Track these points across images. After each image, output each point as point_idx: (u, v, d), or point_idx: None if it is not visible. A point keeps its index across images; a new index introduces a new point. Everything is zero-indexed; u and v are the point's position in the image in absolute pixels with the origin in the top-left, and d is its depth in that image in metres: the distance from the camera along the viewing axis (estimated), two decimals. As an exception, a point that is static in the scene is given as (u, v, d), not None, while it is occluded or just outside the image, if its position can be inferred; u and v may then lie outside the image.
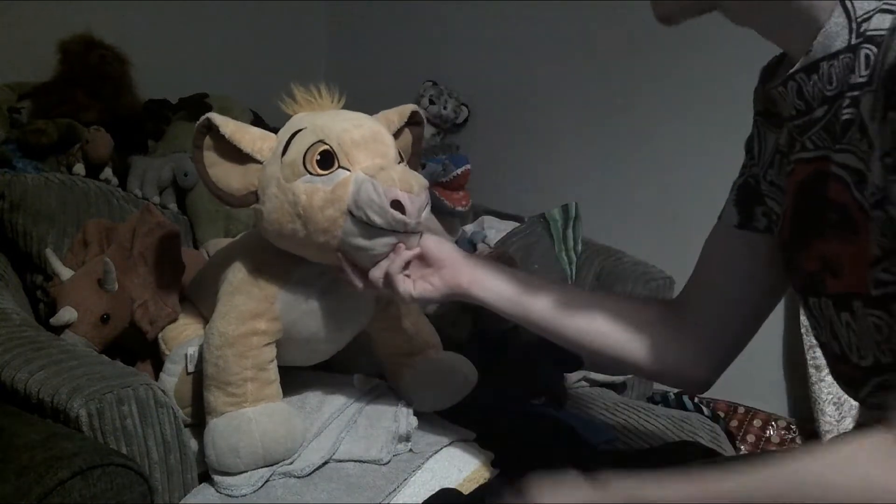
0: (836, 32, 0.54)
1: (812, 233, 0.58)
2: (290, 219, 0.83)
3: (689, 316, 0.77)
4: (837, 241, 0.54)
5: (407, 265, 0.83)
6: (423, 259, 0.84)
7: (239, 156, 0.86)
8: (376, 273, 0.82)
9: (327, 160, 0.82)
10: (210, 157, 0.86)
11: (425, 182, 0.82)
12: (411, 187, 0.79)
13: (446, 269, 0.83)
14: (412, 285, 0.82)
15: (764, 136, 0.70)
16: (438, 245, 0.84)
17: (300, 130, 0.85)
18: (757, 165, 0.71)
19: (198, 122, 0.84)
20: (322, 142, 0.82)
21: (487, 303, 0.82)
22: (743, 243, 0.72)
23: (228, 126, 0.84)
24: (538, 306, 0.81)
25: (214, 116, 0.84)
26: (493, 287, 0.82)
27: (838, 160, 0.52)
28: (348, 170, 0.82)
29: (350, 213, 0.80)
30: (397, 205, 0.78)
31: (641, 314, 0.79)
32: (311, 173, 0.82)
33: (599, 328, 0.79)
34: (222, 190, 0.86)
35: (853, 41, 0.53)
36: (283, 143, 0.85)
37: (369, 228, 0.79)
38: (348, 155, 0.82)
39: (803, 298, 0.63)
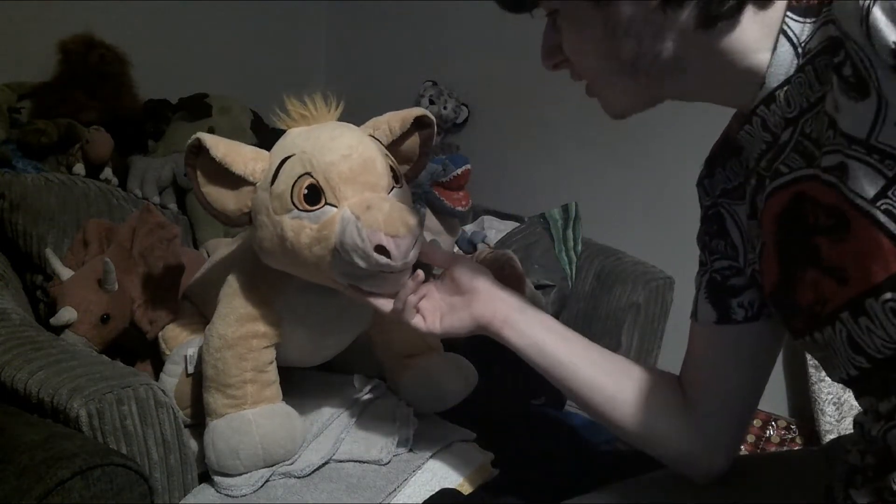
0: (784, 60, 0.55)
1: (803, 261, 0.56)
2: (281, 251, 0.82)
3: (691, 409, 0.73)
4: (834, 244, 0.53)
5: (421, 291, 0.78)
6: (454, 285, 0.79)
7: (231, 178, 0.83)
8: (397, 305, 0.77)
9: (314, 195, 0.80)
10: (203, 178, 0.84)
11: (415, 220, 0.79)
12: (398, 230, 0.76)
13: (479, 302, 0.76)
14: (437, 320, 0.77)
15: (734, 214, 0.68)
16: (472, 273, 0.78)
17: (289, 157, 0.83)
18: (724, 258, 0.70)
19: (188, 142, 0.82)
20: (309, 174, 0.80)
21: (519, 350, 0.75)
22: (725, 338, 0.70)
23: (220, 148, 0.82)
24: (576, 370, 0.74)
25: (205, 138, 0.81)
26: (530, 333, 0.75)
27: (826, 164, 0.52)
28: (335, 206, 0.80)
29: (337, 251, 0.79)
30: (382, 249, 0.76)
31: (670, 393, 0.74)
32: (298, 208, 0.80)
33: (630, 400, 0.73)
34: (218, 210, 0.85)
35: (801, 62, 0.54)
36: (274, 168, 0.83)
37: (356, 268, 0.78)
38: (335, 190, 0.80)
39: (809, 335, 0.59)
